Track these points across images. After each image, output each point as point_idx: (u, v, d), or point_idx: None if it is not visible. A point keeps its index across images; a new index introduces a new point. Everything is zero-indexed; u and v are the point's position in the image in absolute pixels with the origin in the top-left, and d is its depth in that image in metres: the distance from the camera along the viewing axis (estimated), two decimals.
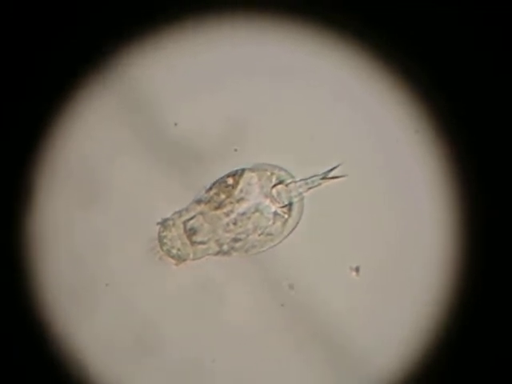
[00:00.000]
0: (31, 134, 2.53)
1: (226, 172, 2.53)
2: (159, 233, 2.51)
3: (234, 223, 2.48)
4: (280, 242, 2.52)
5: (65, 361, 2.53)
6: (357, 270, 2.54)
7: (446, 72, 2.49)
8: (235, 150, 2.56)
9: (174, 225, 2.50)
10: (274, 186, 2.50)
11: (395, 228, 2.55)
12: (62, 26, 2.49)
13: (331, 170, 2.51)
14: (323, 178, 2.51)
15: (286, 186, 2.51)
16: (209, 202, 2.50)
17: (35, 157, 2.55)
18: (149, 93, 2.57)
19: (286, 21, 2.53)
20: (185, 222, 2.50)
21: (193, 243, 2.50)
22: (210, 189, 2.51)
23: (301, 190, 2.51)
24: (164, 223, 2.51)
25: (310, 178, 2.52)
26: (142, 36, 2.54)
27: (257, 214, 2.49)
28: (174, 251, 2.51)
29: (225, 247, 2.50)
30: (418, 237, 2.54)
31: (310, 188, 2.52)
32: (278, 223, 2.50)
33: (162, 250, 2.51)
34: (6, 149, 2.50)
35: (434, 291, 2.52)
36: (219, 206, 2.49)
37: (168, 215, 2.52)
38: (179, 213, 2.51)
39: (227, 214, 2.49)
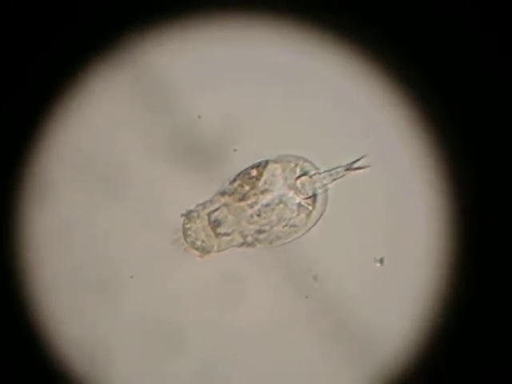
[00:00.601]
0: (35, 132, 2.54)
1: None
2: (183, 225, 2.51)
3: (258, 215, 2.48)
4: (304, 233, 2.52)
5: (80, 355, 2.54)
6: (381, 261, 2.54)
7: (442, 76, 2.48)
8: (235, 150, 2.56)
9: (198, 216, 2.51)
10: (298, 177, 2.50)
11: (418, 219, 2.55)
12: (64, 17, 2.50)
13: (355, 161, 2.50)
14: (347, 170, 2.51)
15: (310, 177, 2.51)
16: (233, 193, 2.50)
17: (48, 152, 2.56)
18: (154, 90, 2.57)
19: (285, 22, 2.53)
20: (209, 214, 2.50)
21: (217, 235, 2.50)
22: (234, 180, 2.51)
23: (325, 181, 2.51)
24: (188, 215, 2.51)
25: (333, 169, 2.51)
26: (142, 34, 2.54)
27: (281, 205, 2.48)
28: (199, 243, 2.51)
29: (249, 239, 2.50)
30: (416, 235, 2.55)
31: (334, 179, 2.51)
32: (303, 215, 2.50)
33: (187, 241, 2.52)
34: (7, 147, 2.51)
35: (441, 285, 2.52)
36: (243, 198, 2.49)
37: (192, 207, 2.52)
38: (203, 205, 2.52)
39: (251, 206, 2.49)
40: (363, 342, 2.53)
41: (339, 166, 2.51)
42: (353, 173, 2.51)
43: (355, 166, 2.51)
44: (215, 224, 2.50)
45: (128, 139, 2.59)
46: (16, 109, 2.51)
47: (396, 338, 2.51)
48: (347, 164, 2.51)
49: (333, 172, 2.51)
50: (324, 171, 2.51)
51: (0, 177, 2.52)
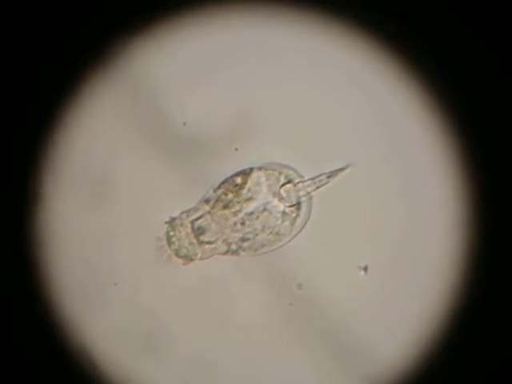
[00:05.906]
0: (36, 133, 2.53)
1: (234, 170, 2.52)
2: (167, 232, 2.51)
3: (242, 223, 2.47)
4: (288, 241, 2.51)
5: (74, 357, 2.54)
6: (365, 269, 2.53)
7: (457, 64, 2.46)
8: (236, 150, 2.54)
9: (181, 224, 2.50)
10: (283, 185, 2.49)
11: (403, 226, 2.54)
12: (61, 23, 2.48)
13: (338, 170, 2.49)
14: (330, 176, 2.49)
15: (295, 185, 2.50)
16: (216, 201, 2.49)
17: (41, 156, 2.55)
18: (151, 87, 2.55)
19: (294, 9, 2.50)
20: (192, 222, 2.50)
21: (200, 243, 2.49)
22: (218, 188, 2.50)
23: (309, 189, 2.50)
24: (172, 222, 2.51)
25: (317, 176, 2.50)
26: (141, 28, 2.52)
27: (265, 213, 2.48)
28: (182, 251, 2.50)
29: (233, 247, 2.49)
30: (426, 234, 2.53)
31: (319, 187, 2.50)
32: (287, 223, 2.49)
33: (170, 249, 2.51)
34: (12, 148, 2.50)
35: (441, 289, 2.51)
36: (227, 206, 2.48)
37: (176, 214, 2.51)
38: (187, 212, 2.51)
39: (235, 214, 2.48)
40: (349, 349, 2.54)
41: (322, 173, 2.50)
42: (335, 178, 2.50)
43: (337, 172, 2.49)
44: (199, 232, 2.49)
45: (125, 143, 2.58)
46: (18, 116, 2.51)
47: (396, 345, 2.51)
48: (330, 172, 2.49)
49: (316, 180, 2.50)
50: (308, 179, 2.50)
51: None
